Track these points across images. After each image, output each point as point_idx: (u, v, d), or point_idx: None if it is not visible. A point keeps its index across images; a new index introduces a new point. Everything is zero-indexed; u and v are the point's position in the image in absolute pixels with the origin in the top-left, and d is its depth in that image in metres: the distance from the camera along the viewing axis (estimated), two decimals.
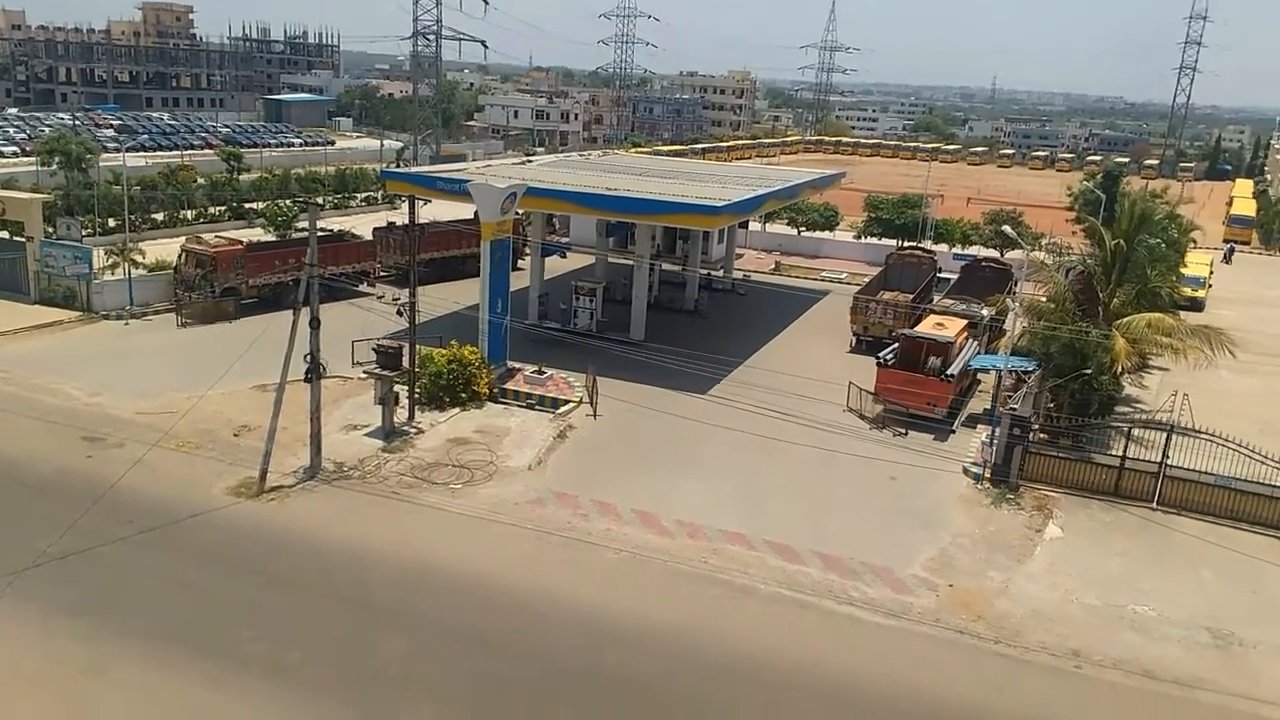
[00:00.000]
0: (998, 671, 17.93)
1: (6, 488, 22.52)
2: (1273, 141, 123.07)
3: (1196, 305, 45.70)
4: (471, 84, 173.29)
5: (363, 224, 49.25)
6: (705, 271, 45.55)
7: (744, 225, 54.23)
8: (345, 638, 17.76)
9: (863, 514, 23.72)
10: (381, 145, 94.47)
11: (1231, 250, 65.33)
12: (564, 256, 49.32)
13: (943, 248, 53.10)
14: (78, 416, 26.68)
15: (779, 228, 60.01)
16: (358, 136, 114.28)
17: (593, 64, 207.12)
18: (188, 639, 17.31)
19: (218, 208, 55.72)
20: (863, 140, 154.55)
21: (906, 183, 76.64)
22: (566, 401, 29.53)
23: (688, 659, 17.71)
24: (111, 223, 46.94)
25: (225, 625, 17.79)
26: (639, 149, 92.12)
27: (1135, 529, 23.61)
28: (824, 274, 52.37)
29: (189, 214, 53.97)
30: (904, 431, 28.82)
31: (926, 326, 32.60)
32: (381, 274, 43.58)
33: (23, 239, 37.72)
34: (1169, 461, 24.33)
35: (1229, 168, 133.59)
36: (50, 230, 39.59)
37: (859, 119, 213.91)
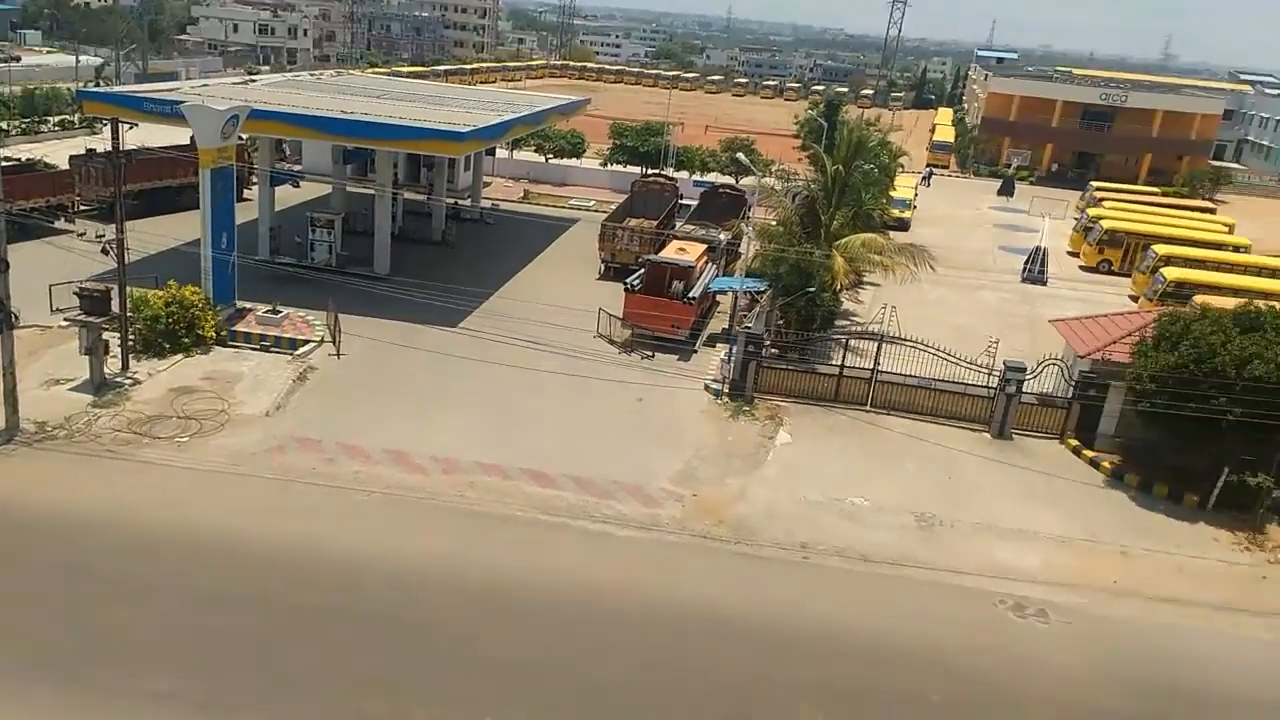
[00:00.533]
0: (738, 568, 19.42)
1: None
2: (970, 73, 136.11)
3: (903, 225, 50.35)
4: None
5: (58, 152, 43.59)
6: (452, 201, 44.46)
7: (491, 152, 53.25)
8: (58, 611, 16.20)
9: (614, 435, 24.55)
10: (77, 62, 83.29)
11: (930, 174, 72.22)
12: (297, 186, 46.38)
13: (684, 175, 54.82)
14: None
15: (526, 155, 59.42)
16: (48, 52, 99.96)
17: None
18: None
19: None
20: (607, 66, 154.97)
21: (649, 110, 78.14)
22: (306, 341, 28.07)
23: (443, 589, 17.76)
24: None
25: None
26: (376, 69, 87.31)
27: (852, 429, 26.11)
28: (572, 202, 52.70)
29: None
30: (651, 354, 29.95)
31: (670, 252, 33.75)
32: (82, 208, 38.90)
33: None
34: (880, 367, 26.98)
35: (933, 97, 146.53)
36: None
37: (602, 44, 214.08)
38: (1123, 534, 21.85)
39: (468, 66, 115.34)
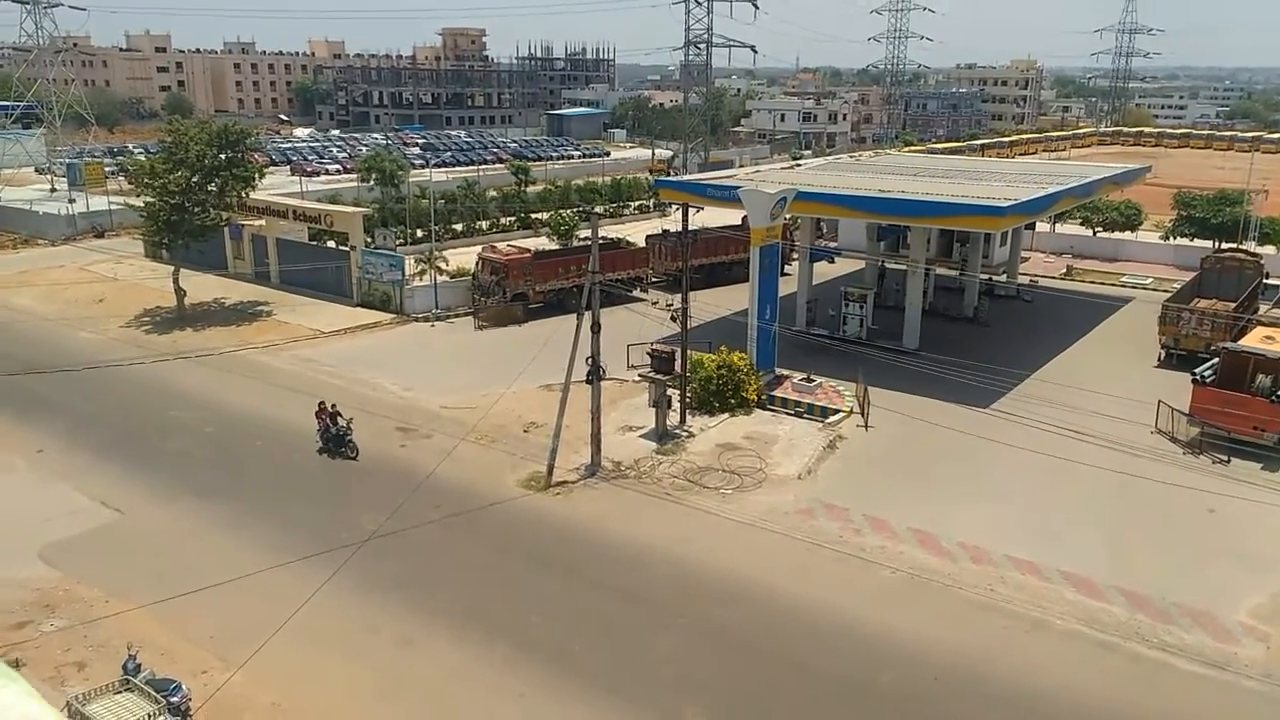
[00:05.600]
0: None
1: (337, 468, 25.57)
2: None
3: None
4: (738, 90, 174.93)
5: (636, 231, 51.03)
6: (986, 276, 42.98)
7: (1030, 226, 50.57)
8: (622, 631, 18.46)
9: (1175, 549, 21.29)
10: (653, 154, 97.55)
11: None
12: (832, 261, 48.41)
13: (1269, 250, 46.70)
14: (392, 408, 29.67)
15: (1071, 228, 55.39)
16: (630, 147, 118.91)
17: (862, 62, 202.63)
18: (485, 619, 18.75)
19: (508, 218, 59.96)
20: (1168, 130, 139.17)
21: (1222, 177, 68.26)
22: (836, 411, 28.93)
23: (972, 688, 16.76)
24: (419, 233, 51.83)
25: (518, 609, 19.07)
26: (912, 148, 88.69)
27: None
28: (1125, 279, 47.71)
29: (483, 224, 58.55)
30: (1226, 459, 25.59)
31: (1254, 340, 28.78)
32: (654, 280, 44.95)
33: (347, 248, 42.67)
34: None
35: None
36: (369, 240, 44.53)
37: (1163, 107, 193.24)
38: None
39: (1006, 139, 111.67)
